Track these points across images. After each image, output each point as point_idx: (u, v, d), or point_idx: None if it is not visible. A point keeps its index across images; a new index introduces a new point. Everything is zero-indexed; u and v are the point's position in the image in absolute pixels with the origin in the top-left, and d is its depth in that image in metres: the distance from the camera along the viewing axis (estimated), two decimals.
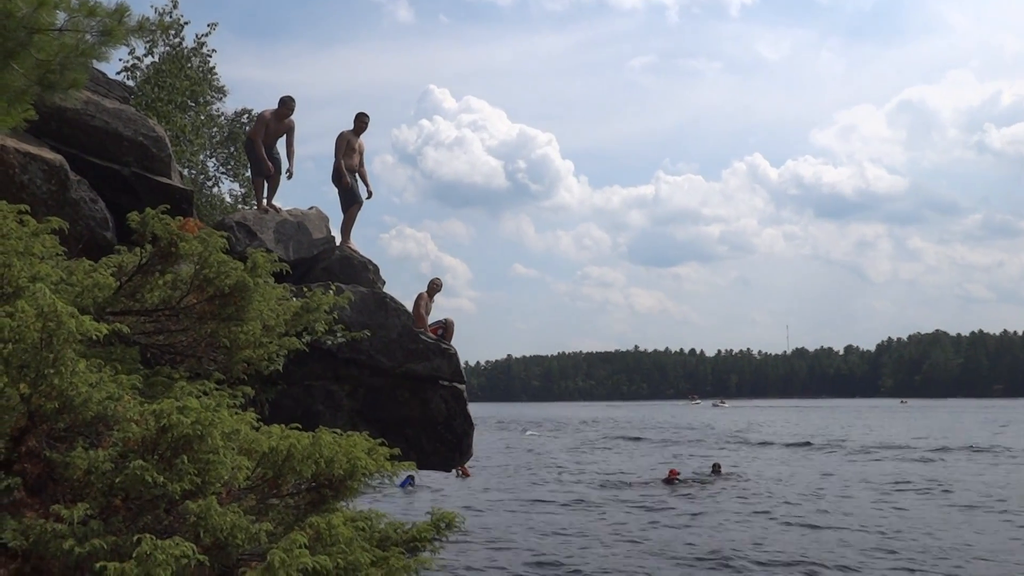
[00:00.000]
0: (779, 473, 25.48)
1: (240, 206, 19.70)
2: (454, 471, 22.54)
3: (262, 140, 11.28)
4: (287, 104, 11.43)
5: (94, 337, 4.07)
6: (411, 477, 21.68)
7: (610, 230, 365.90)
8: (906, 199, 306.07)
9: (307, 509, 4.48)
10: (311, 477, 4.43)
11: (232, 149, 20.40)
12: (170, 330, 5.81)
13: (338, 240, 11.52)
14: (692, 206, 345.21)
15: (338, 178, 11.60)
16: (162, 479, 3.72)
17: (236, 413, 4.78)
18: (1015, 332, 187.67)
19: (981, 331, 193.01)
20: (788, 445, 37.49)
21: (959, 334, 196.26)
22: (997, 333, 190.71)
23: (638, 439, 44.38)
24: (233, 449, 4.13)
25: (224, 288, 5.41)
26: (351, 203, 11.69)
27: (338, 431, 4.79)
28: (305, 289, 8.41)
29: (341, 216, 11.74)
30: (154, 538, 3.37)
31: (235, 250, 8.17)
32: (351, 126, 11.78)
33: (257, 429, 4.75)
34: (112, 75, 13.66)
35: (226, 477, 3.99)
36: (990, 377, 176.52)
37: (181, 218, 5.92)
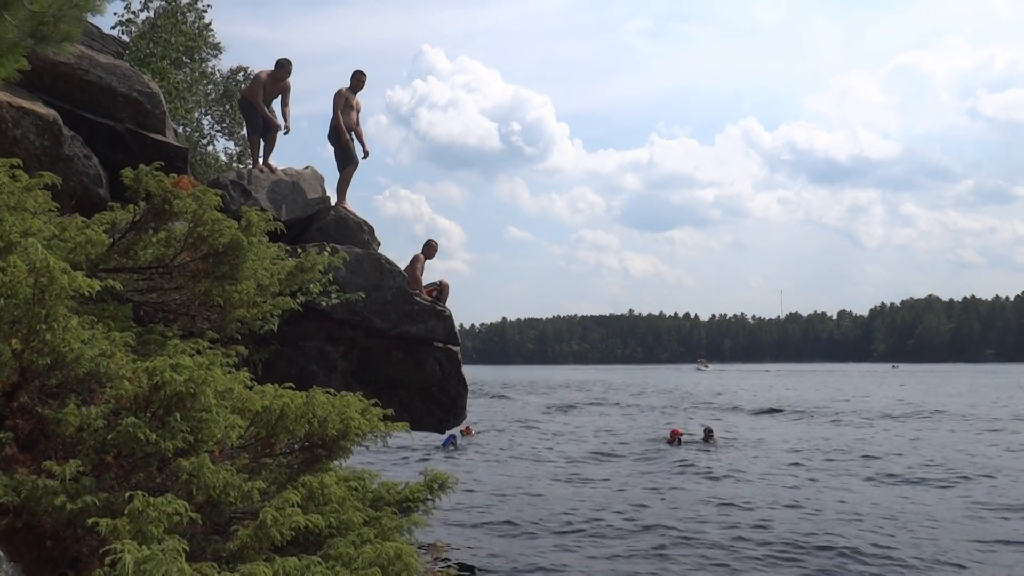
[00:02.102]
0: (767, 437, 25.68)
1: (235, 165, 19.58)
2: (458, 431, 22.91)
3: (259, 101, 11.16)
4: (284, 67, 11.25)
5: (87, 294, 4.04)
6: (453, 437, 22.03)
7: (604, 193, 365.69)
8: (899, 164, 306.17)
9: (300, 468, 4.49)
10: (304, 437, 4.43)
11: (227, 107, 20.20)
12: (163, 288, 5.78)
13: (333, 200, 11.44)
14: (686, 170, 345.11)
15: (336, 136, 11.46)
16: (155, 436, 3.72)
17: (229, 372, 4.77)
18: (1007, 297, 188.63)
19: (973, 296, 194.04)
20: (763, 411, 37.93)
21: (952, 299, 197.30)
22: (989, 298, 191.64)
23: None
24: (226, 408, 4.12)
25: (218, 246, 5.37)
26: (347, 163, 11.57)
27: (332, 391, 4.79)
28: (300, 249, 8.38)
29: (336, 176, 11.65)
30: (146, 495, 3.37)
31: (229, 209, 8.11)
32: (348, 84, 11.63)
33: (250, 388, 4.75)
34: (107, 30, 13.48)
35: (219, 435, 3.98)
36: (982, 342, 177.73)
37: (175, 175, 5.87)
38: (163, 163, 5.88)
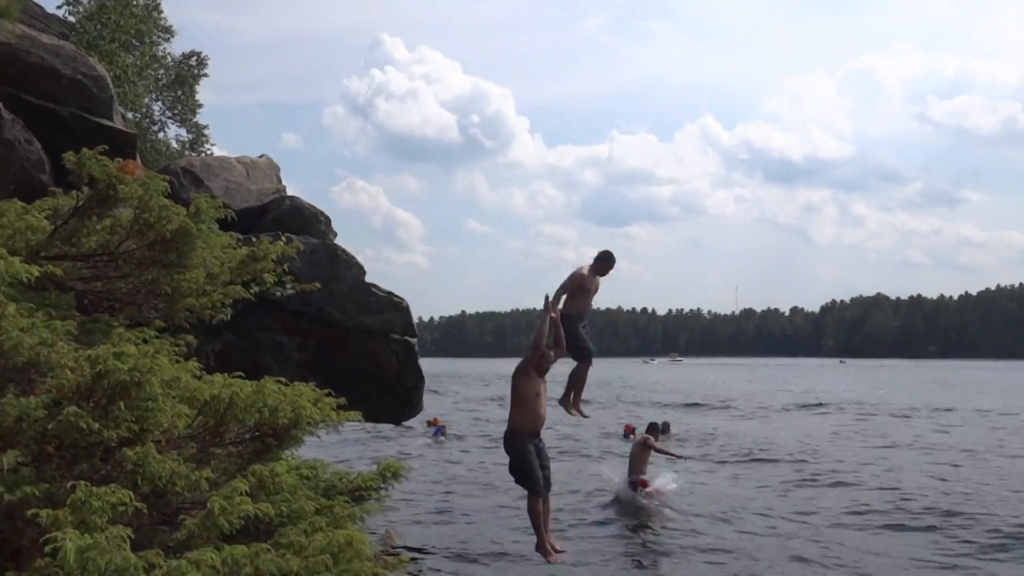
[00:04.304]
0: (719, 431, 26.04)
1: (187, 152, 19.22)
2: (426, 423, 23.27)
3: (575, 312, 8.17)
4: (608, 261, 8.31)
5: (26, 280, 3.91)
6: (442, 428, 22.99)
7: (564, 188, 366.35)
8: (851, 166, 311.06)
9: (250, 458, 4.40)
10: (254, 426, 4.34)
11: (179, 93, 19.80)
12: (108, 276, 5.62)
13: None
14: (645, 166, 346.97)
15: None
16: (98, 426, 3.61)
17: (177, 361, 4.67)
18: (950, 296, 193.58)
19: (919, 295, 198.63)
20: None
21: (898, 297, 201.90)
22: (934, 297, 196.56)
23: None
24: (173, 397, 4.02)
25: (165, 233, 5.23)
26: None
27: (283, 380, 4.71)
28: (253, 239, 8.24)
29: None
30: (89, 485, 3.28)
31: (180, 197, 7.94)
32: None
33: (199, 378, 4.64)
34: (51, 9, 13.11)
35: (165, 425, 3.89)
36: (926, 339, 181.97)
37: (120, 160, 5.71)
38: (108, 146, 5.71)
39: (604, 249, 8.57)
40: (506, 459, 6.55)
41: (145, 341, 4.78)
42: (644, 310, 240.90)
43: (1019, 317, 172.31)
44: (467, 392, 50.74)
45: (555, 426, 27.77)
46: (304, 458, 5.22)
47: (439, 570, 9.63)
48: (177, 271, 5.47)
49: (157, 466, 3.60)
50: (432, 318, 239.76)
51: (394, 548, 9.93)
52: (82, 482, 3.32)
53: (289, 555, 3.85)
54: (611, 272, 8.62)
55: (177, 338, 5.58)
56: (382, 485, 5.17)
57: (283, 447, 4.60)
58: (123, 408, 3.70)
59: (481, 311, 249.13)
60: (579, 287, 8.23)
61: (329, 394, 5.09)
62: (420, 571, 9.45)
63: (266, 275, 9.12)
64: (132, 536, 3.15)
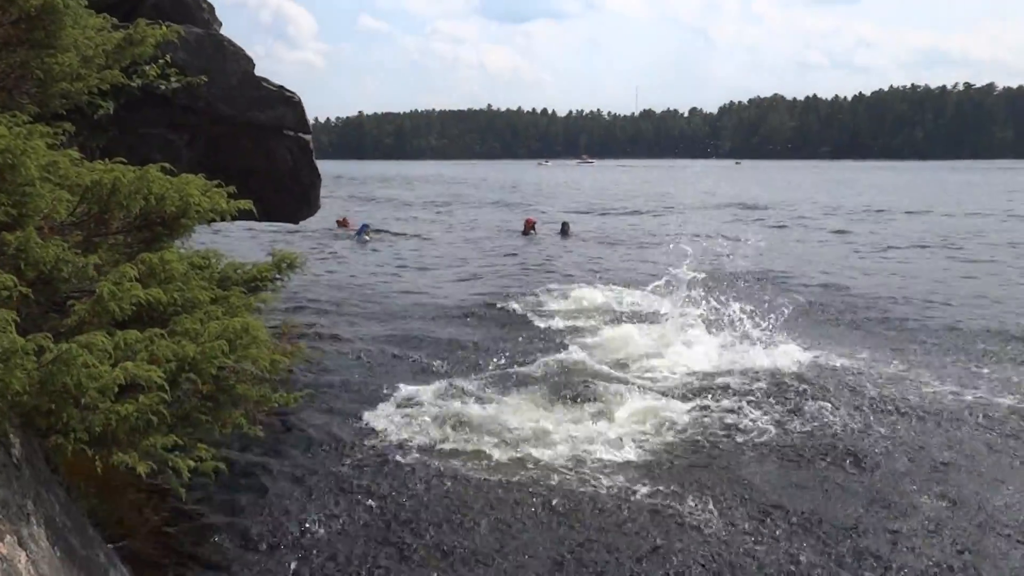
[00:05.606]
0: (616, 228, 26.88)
1: None
2: (336, 223, 23.30)
3: None
4: None
5: None
6: (366, 226, 23.47)
7: None
8: None
9: (139, 247, 4.34)
10: (141, 213, 4.25)
11: None
12: None
13: None
14: None
15: None
16: None
17: (55, 148, 4.46)
18: (845, 98, 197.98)
19: (815, 95, 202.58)
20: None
21: (795, 98, 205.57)
22: (829, 98, 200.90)
23: None
24: (53, 183, 3.88)
25: (29, 9, 4.83)
26: None
27: (168, 166, 4.58)
28: (130, 25, 7.71)
29: None
30: None
31: None
32: None
33: (79, 165, 4.46)
34: None
35: (45, 210, 3.77)
36: (819, 140, 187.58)
37: None
38: None
39: None
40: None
41: (18, 125, 4.52)
42: (544, 111, 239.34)
43: (908, 119, 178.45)
44: (368, 191, 50.40)
45: (454, 230, 28.18)
46: (197, 250, 5.18)
47: (339, 358, 9.95)
48: (47, 53, 5.10)
49: (40, 251, 3.52)
50: (329, 119, 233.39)
51: (292, 339, 10.18)
52: None
53: (185, 342, 3.90)
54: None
55: (55, 126, 5.30)
56: (278, 275, 5.21)
57: (173, 236, 4.54)
58: None
59: (379, 112, 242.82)
60: None
61: (219, 185, 4.98)
62: (319, 361, 9.76)
63: (148, 68, 8.61)
64: (19, 320, 3.12)
